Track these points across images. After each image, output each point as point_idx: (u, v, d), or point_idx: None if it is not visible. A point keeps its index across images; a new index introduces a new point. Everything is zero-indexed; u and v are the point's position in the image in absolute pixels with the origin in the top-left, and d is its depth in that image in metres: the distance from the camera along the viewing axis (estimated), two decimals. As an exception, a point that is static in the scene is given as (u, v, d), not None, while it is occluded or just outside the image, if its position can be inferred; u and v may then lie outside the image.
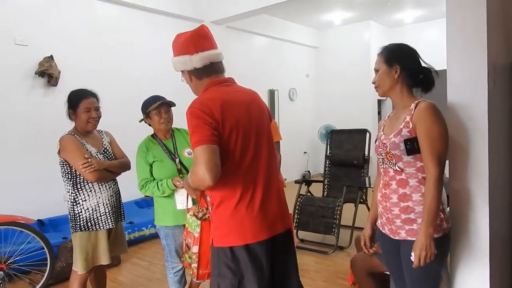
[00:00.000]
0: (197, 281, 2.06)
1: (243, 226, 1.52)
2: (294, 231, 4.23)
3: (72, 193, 2.40)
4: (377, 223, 1.88)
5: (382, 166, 1.76)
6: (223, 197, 1.54)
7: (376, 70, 1.76)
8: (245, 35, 7.22)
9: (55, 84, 4.37)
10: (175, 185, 2.33)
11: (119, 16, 5.17)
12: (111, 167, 2.44)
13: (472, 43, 1.39)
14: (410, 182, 1.65)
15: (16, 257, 3.08)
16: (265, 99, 7.69)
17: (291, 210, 4.20)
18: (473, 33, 1.37)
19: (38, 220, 3.90)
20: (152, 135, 2.54)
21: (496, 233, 1.81)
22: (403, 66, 1.68)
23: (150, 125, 2.51)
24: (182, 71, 1.65)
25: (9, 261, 3.01)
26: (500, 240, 1.93)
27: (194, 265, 1.86)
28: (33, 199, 4.17)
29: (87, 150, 2.39)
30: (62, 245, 3.48)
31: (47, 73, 4.28)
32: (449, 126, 1.48)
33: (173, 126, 2.55)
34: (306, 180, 4.65)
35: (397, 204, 1.68)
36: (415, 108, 1.63)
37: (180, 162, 2.44)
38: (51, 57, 4.32)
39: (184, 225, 2.13)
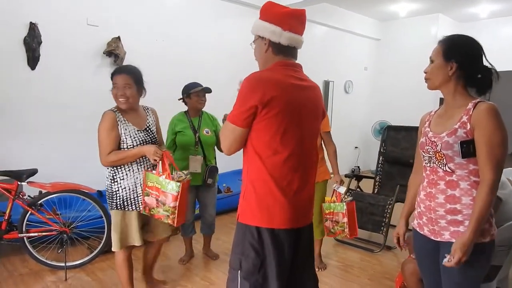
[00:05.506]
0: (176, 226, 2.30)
1: (274, 209, 1.52)
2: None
3: (111, 170, 2.38)
4: (412, 223, 1.80)
5: (429, 164, 1.66)
6: (260, 175, 1.53)
7: (432, 60, 1.62)
8: (305, 24, 7.09)
9: (121, 64, 4.60)
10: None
11: (183, 2, 5.30)
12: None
13: None
14: (461, 185, 1.55)
15: (78, 223, 3.32)
16: (319, 90, 7.55)
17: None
18: None
19: (98, 191, 4.15)
20: (185, 112, 3.31)
21: None
22: (461, 64, 1.54)
23: (186, 104, 3.28)
24: (262, 38, 1.61)
25: (72, 226, 3.25)
26: None
27: (173, 216, 2.15)
28: (95, 172, 4.44)
29: (125, 129, 2.32)
30: (118, 216, 3.67)
31: (114, 53, 4.51)
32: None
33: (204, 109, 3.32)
34: (356, 175, 4.54)
35: (443, 205, 1.58)
36: (473, 108, 1.51)
37: (198, 137, 3.23)
38: (119, 38, 4.54)
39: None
